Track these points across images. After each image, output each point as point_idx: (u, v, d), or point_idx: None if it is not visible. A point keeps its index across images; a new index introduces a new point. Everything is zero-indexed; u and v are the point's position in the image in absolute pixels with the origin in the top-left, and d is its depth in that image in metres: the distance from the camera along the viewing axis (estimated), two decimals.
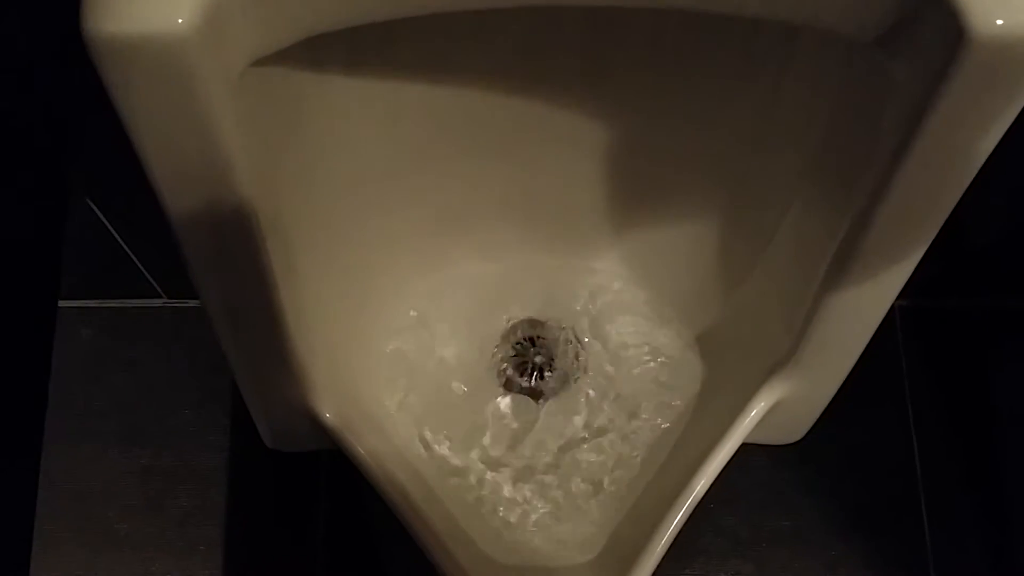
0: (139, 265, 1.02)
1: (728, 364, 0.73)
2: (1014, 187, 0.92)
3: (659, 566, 0.66)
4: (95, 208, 0.91)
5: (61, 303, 1.07)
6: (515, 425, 0.78)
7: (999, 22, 0.40)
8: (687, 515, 0.67)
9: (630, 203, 0.74)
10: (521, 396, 0.79)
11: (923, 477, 1.02)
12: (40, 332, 1.05)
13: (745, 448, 0.99)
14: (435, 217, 0.74)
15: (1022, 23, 0.40)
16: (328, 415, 0.67)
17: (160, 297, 1.08)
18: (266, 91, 0.51)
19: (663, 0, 0.46)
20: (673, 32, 0.58)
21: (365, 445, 0.68)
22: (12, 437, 0.95)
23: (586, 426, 0.77)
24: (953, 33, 0.41)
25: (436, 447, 0.76)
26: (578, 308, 0.80)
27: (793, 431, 0.76)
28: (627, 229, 0.76)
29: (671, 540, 0.67)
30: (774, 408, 0.70)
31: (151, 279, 1.05)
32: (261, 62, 0.48)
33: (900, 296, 1.06)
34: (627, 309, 0.78)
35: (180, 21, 0.40)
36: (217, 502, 1.00)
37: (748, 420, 0.68)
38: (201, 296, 0.57)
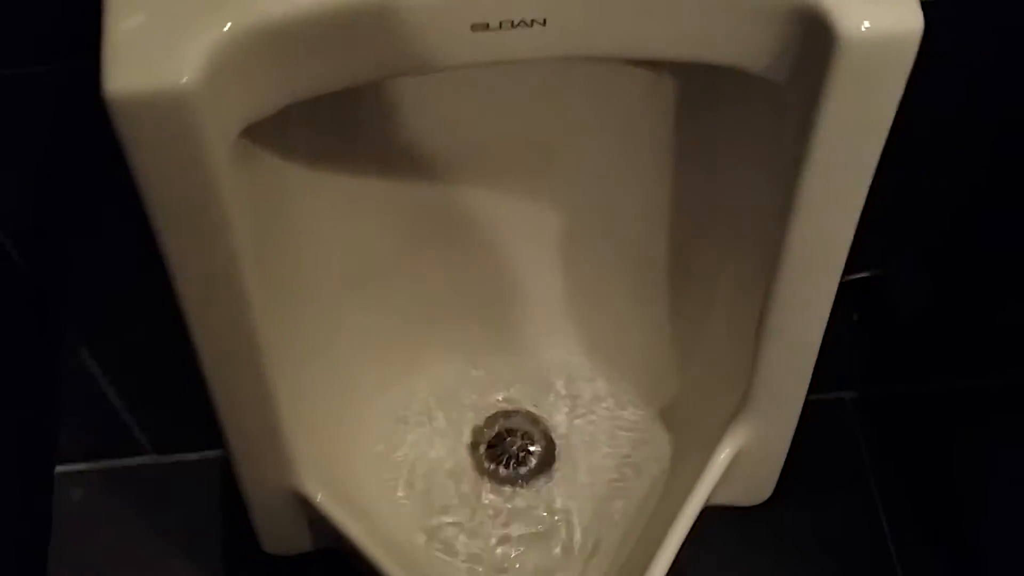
0: (130, 421, 1.07)
1: (690, 430, 0.79)
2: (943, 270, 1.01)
3: None
4: (89, 358, 0.96)
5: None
6: (497, 512, 0.82)
7: (865, 25, 0.48)
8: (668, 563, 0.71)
9: (586, 292, 0.81)
10: (502, 485, 0.83)
11: (899, 560, 1.06)
12: (40, 496, 1.07)
13: (723, 539, 1.03)
14: (404, 319, 0.81)
15: (886, 25, 0.49)
16: (319, 496, 0.71)
17: (149, 454, 1.11)
18: (252, 174, 0.59)
19: (566, 47, 0.53)
20: (616, 113, 0.67)
21: (357, 526, 0.72)
22: None
23: (563, 507, 0.81)
24: (826, 41, 0.49)
25: (426, 537, 0.79)
26: (550, 397, 0.85)
27: (759, 488, 0.80)
28: (587, 321, 0.83)
29: None
30: (737, 461, 0.75)
31: (140, 435, 1.09)
32: (248, 146, 0.56)
33: (848, 388, 1.13)
34: (594, 393, 0.84)
35: (184, 79, 0.48)
36: None
37: (714, 470, 0.73)
38: (200, 363, 0.62)
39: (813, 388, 1.11)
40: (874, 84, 0.51)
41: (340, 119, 0.65)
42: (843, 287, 0.96)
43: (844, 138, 0.53)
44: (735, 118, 0.62)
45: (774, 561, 1.05)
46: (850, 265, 0.93)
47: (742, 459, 0.75)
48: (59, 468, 1.11)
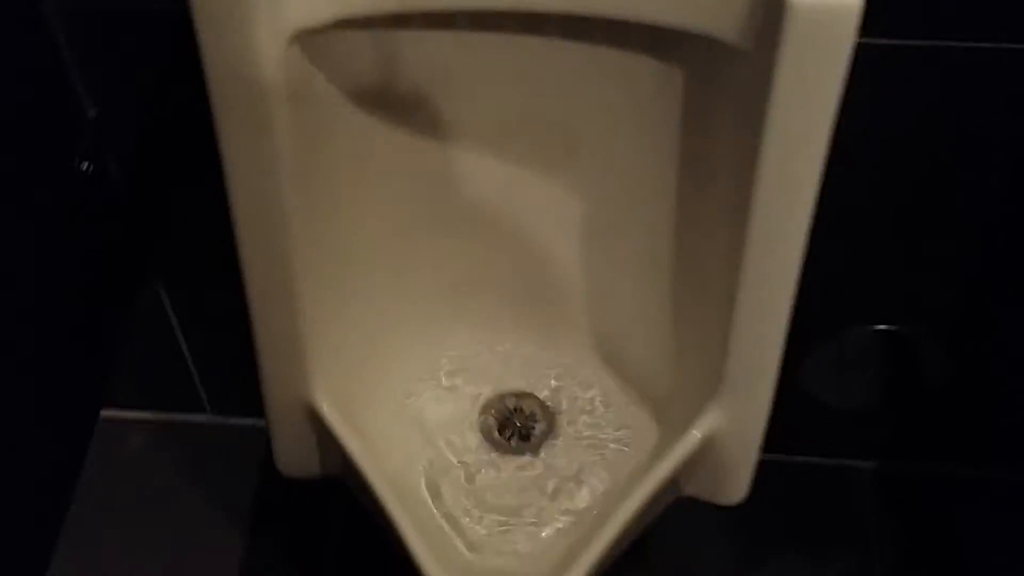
0: (195, 375, 1.17)
1: (675, 415, 0.85)
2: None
3: None
4: (164, 298, 1.08)
5: (114, 413, 1.22)
6: (498, 475, 0.89)
7: None
8: (621, 525, 0.77)
9: (599, 281, 0.89)
10: (502, 454, 0.91)
11: None
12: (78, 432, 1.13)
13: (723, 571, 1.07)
14: (431, 284, 0.90)
15: None
16: (325, 407, 0.80)
17: (207, 412, 1.22)
18: (301, 101, 0.70)
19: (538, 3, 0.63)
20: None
21: (355, 442, 0.80)
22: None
23: (553, 479, 0.88)
24: (778, 8, 0.58)
25: (422, 477, 0.87)
26: (557, 382, 0.93)
27: (733, 483, 0.85)
28: (597, 308, 0.91)
29: (604, 547, 0.76)
30: (711, 448, 0.81)
31: (203, 392, 1.20)
32: (301, 70, 0.67)
33: (871, 458, 1.16)
34: (597, 380, 0.92)
35: None
36: None
37: (681, 448, 0.79)
38: (242, 268, 0.73)
39: (832, 452, 1.16)
40: (822, 49, 0.59)
41: (381, 83, 0.76)
42: (872, 336, 1.02)
43: (798, 102, 0.61)
44: (730, 106, 0.70)
45: None
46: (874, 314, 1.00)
47: (715, 446, 0.81)
48: (122, 414, 1.22)
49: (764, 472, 1.16)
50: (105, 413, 1.20)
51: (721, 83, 0.68)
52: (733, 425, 0.80)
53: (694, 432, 0.80)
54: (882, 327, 1.03)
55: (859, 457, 1.18)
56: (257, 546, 1.13)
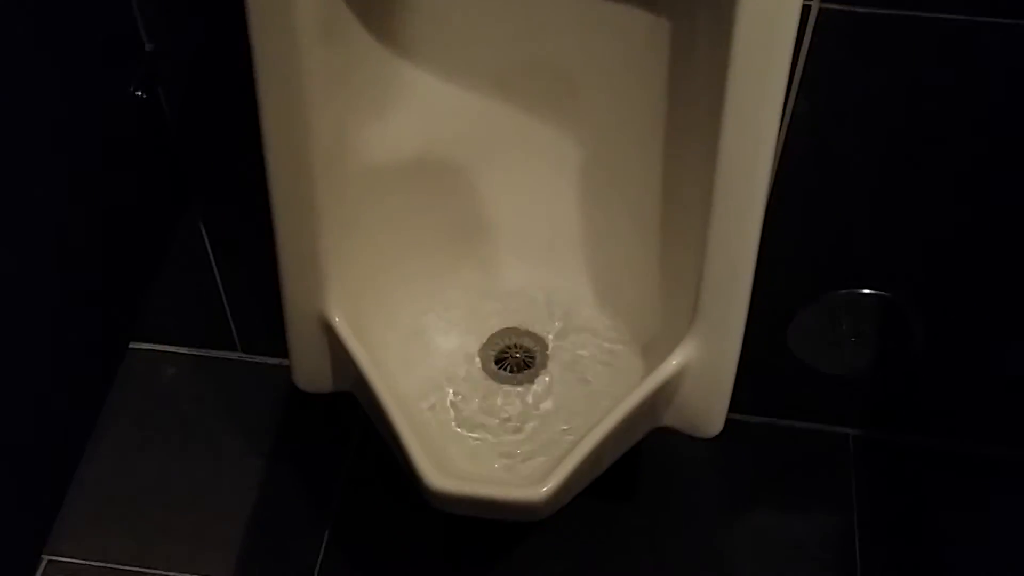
0: (228, 315, 1.26)
1: (660, 346, 0.92)
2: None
3: None
4: (204, 234, 1.17)
5: (150, 346, 1.31)
6: (491, 399, 0.97)
7: None
8: (604, 433, 0.84)
9: (593, 224, 0.97)
10: (499, 383, 0.99)
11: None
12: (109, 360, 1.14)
13: (709, 523, 1.14)
14: (438, 221, 0.98)
15: None
16: (337, 319, 0.89)
17: (237, 350, 1.31)
18: (328, 32, 0.79)
19: None
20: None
21: (364, 355, 0.89)
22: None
23: (545, 405, 0.96)
24: None
25: (430, 398, 0.95)
26: (552, 321, 1.01)
27: (708, 414, 0.92)
28: (590, 248, 0.98)
29: (588, 450, 0.83)
30: (686, 377, 0.88)
31: (235, 332, 1.28)
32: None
33: (853, 425, 1.22)
34: (590, 318, 0.99)
35: None
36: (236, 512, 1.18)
37: (660, 373, 0.86)
38: (271, 194, 0.82)
39: (821, 418, 1.22)
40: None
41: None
42: (861, 298, 1.08)
43: (761, 30, 0.70)
44: (709, 53, 0.78)
45: (749, 556, 1.15)
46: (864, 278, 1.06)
47: (690, 376, 0.88)
48: (160, 347, 1.31)
49: (749, 434, 1.24)
50: (142, 346, 1.31)
51: (700, 25, 0.76)
52: (707, 356, 0.87)
53: (671, 361, 0.87)
54: (868, 291, 1.08)
55: (844, 424, 1.24)
56: (276, 469, 1.22)
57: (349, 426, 1.23)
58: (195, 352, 1.31)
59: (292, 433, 1.25)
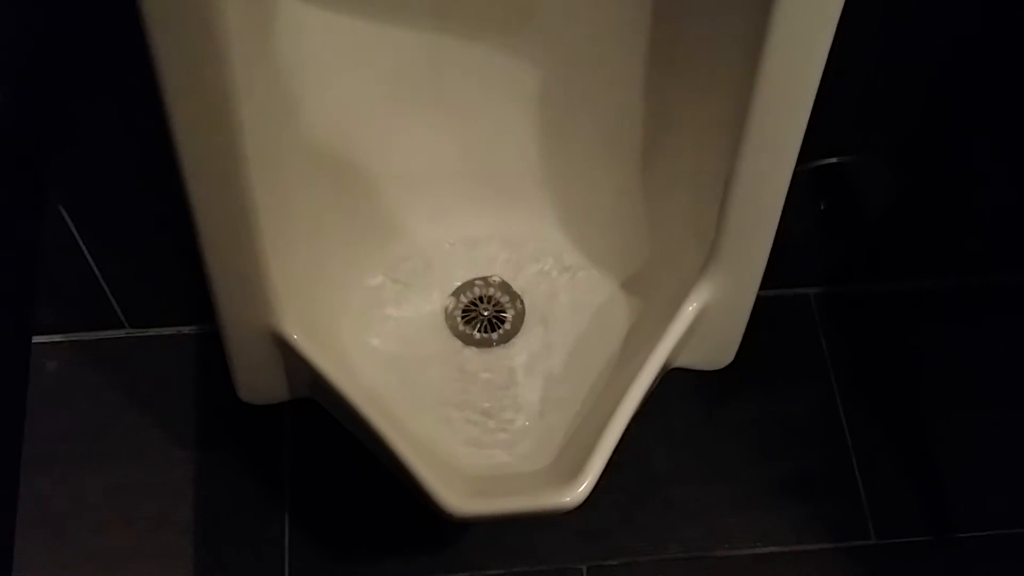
0: (107, 291, 1.08)
1: (657, 293, 0.81)
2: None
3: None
4: (68, 220, 0.97)
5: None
6: (471, 368, 0.84)
7: None
8: (633, 408, 0.73)
9: (560, 156, 0.83)
10: (474, 347, 0.86)
11: (854, 446, 1.09)
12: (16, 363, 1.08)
13: (689, 420, 1.06)
14: (387, 179, 0.83)
15: None
16: (296, 336, 0.74)
17: (124, 328, 1.13)
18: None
19: None
20: None
21: (330, 364, 0.74)
22: None
23: (532, 365, 0.84)
24: None
25: (401, 387, 0.82)
26: (523, 264, 0.88)
27: (722, 349, 0.83)
28: (560, 187, 0.85)
29: (619, 435, 0.73)
30: (703, 318, 0.77)
31: (117, 308, 1.10)
32: None
33: (814, 284, 1.16)
34: (565, 260, 0.87)
35: None
36: (185, 514, 1.04)
37: (679, 324, 0.76)
38: (186, 191, 0.64)
39: (778, 283, 1.15)
40: None
41: None
42: (811, 173, 0.99)
43: None
44: None
45: (734, 444, 1.09)
46: (819, 150, 0.97)
47: (707, 316, 0.78)
48: (35, 339, 1.12)
49: None
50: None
51: None
52: (727, 296, 0.77)
53: (689, 307, 0.76)
54: (824, 162, 1.00)
55: (804, 284, 1.18)
56: (209, 458, 1.07)
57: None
58: (78, 337, 1.13)
59: (214, 408, 1.10)
